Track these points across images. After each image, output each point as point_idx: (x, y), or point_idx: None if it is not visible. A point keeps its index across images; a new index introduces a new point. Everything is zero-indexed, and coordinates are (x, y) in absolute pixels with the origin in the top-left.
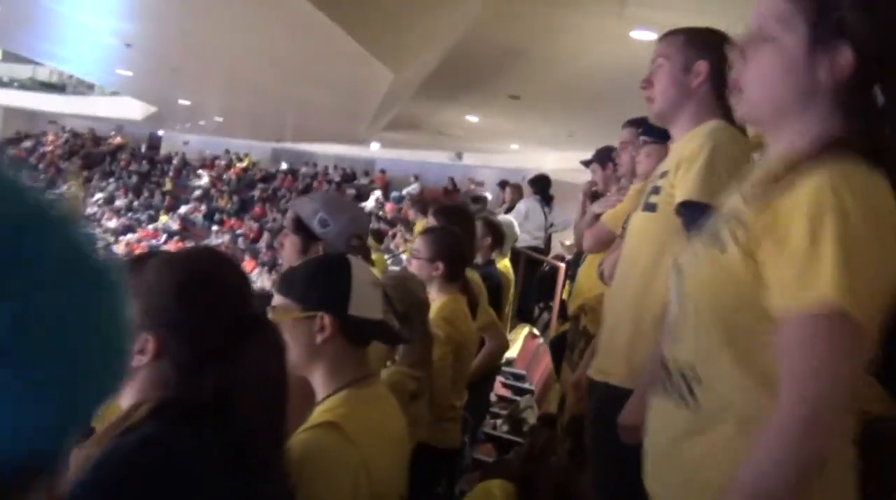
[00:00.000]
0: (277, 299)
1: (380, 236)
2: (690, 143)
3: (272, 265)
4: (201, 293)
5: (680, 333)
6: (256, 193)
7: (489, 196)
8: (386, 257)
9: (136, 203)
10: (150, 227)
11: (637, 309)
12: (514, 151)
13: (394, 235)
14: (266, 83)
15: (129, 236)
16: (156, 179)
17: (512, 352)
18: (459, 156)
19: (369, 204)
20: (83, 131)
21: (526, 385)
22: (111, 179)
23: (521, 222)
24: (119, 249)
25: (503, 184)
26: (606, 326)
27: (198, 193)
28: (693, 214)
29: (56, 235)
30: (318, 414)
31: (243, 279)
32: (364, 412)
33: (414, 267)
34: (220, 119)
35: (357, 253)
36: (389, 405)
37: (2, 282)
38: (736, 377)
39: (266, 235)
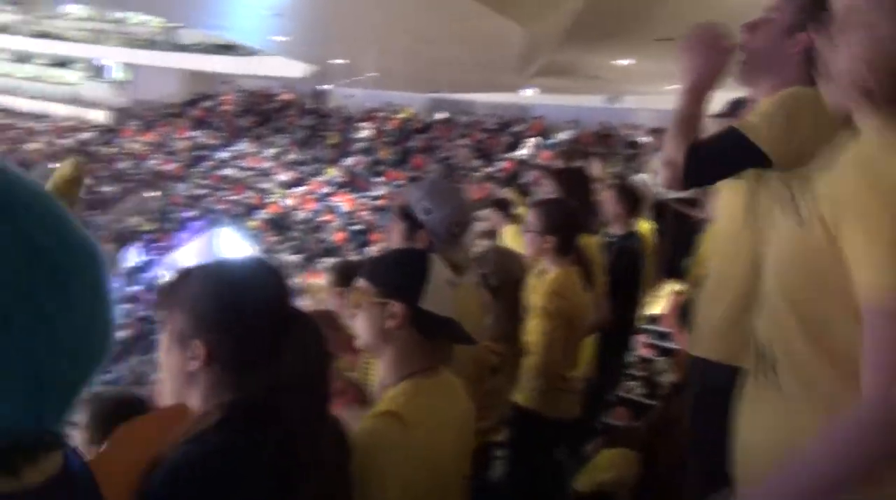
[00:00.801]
0: (360, 281)
1: (525, 190)
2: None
3: None
4: (239, 298)
5: (762, 310)
6: (415, 143)
7: (645, 140)
8: None
9: (304, 157)
10: (318, 179)
11: (721, 283)
12: (671, 92)
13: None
14: (408, 42)
15: (299, 189)
16: (322, 133)
17: (658, 309)
18: (615, 99)
19: (524, 151)
20: (255, 90)
21: (671, 345)
22: (281, 135)
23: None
24: (290, 201)
25: (655, 131)
26: (702, 298)
27: (361, 145)
28: (699, 158)
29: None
30: (382, 402)
31: (279, 281)
32: (426, 402)
33: (526, 240)
34: (376, 74)
35: (458, 240)
36: (453, 393)
37: None
38: (810, 357)
39: None
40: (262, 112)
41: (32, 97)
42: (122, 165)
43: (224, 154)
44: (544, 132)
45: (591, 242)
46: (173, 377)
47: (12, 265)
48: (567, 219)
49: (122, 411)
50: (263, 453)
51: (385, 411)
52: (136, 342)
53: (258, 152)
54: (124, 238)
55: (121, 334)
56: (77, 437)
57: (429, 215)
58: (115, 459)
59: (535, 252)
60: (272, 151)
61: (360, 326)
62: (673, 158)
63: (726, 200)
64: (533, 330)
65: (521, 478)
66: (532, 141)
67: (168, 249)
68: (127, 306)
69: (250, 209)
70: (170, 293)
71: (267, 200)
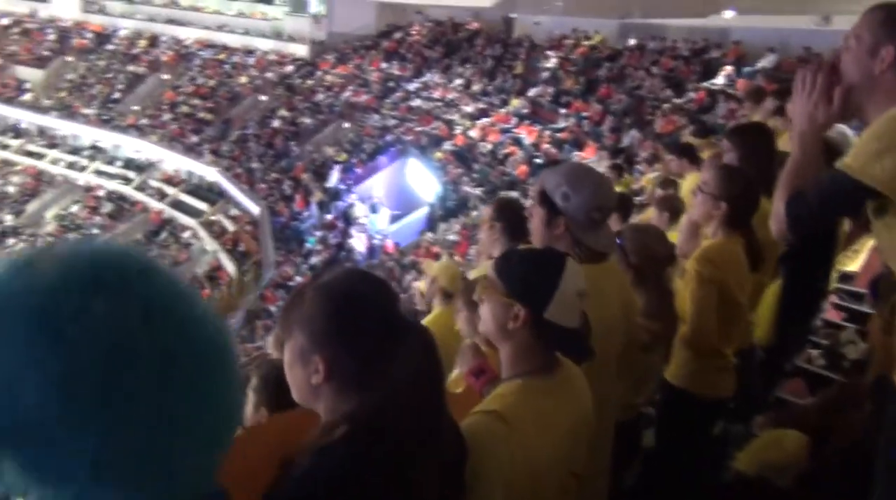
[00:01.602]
0: (491, 273)
1: (712, 131)
2: None
3: (614, 151)
4: (351, 314)
5: None
6: (602, 72)
7: None
8: None
9: (490, 87)
10: (503, 111)
11: None
12: None
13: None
14: None
15: (484, 121)
16: (508, 62)
17: (853, 266)
18: (827, 20)
19: (719, 80)
20: (444, 19)
21: (862, 308)
22: (468, 65)
23: None
24: (475, 133)
25: None
26: None
27: (546, 74)
28: (801, 205)
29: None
30: (491, 399)
31: (388, 292)
32: (534, 403)
33: (698, 200)
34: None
35: (598, 226)
36: (569, 394)
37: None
38: None
39: (610, 119)
40: (449, 42)
41: (240, 33)
42: (319, 96)
43: (413, 85)
44: (743, 59)
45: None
46: (299, 390)
47: (146, 369)
48: (745, 192)
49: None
50: (384, 465)
51: (489, 409)
52: (328, 266)
53: (446, 83)
54: (321, 168)
55: (315, 260)
56: (249, 399)
57: (567, 202)
58: (249, 454)
59: (704, 214)
60: (459, 81)
61: (485, 316)
62: (777, 210)
63: (884, 241)
64: (684, 297)
65: (670, 455)
66: (728, 69)
67: (360, 178)
68: (321, 232)
69: (437, 140)
70: (288, 312)
71: (453, 132)
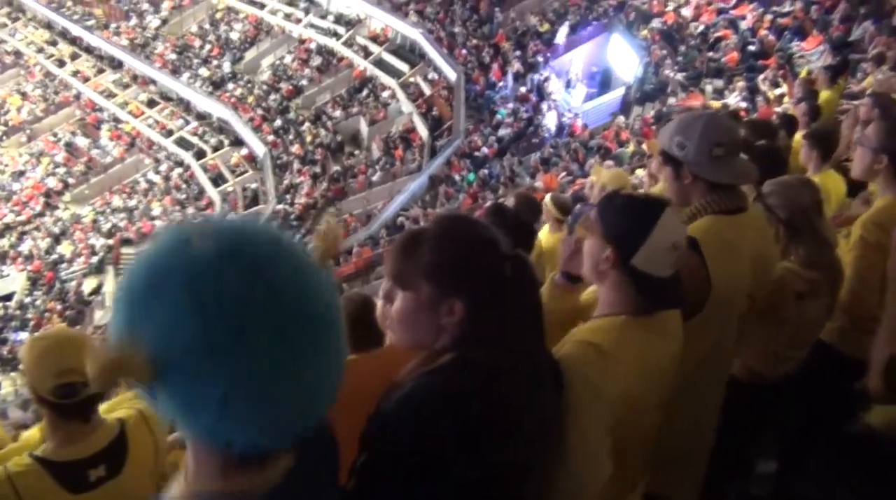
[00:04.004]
0: (594, 212)
1: None
2: None
3: (839, 45)
4: (476, 257)
5: None
6: None
7: None
8: None
9: None
10: None
11: None
12: None
13: None
14: None
15: None
16: None
17: None
18: None
19: None
20: None
21: None
22: None
23: None
24: (688, 11)
25: None
26: None
27: None
28: None
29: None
30: (592, 330)
31: (489, 235)
32: (634, 340)
33: (857, 154)
34: None
35: (725, 161)
36: (666, 335)
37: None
38: None
39: (844, 6)
40: None
41: None
42: None
43: None
44: None
45: None
46: (422, 333)
47: (262, 336)
48: None
49: (368, 312)
50: (485, 393)
51: (590, 341)
52: (514, 141)
53: None
54: (522, 37)
55: (503, 132)
56: None
57: (684, 149)
58: (360, 377)
59: (865, 169)
60: None
61: (584, 253)
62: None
63: None
64: (848, 261)
65: (801, 404)
66: None
67: (560, 51)
68: (513, 104)
69: (646, 17)
70: (404, 262)
71: (664, 8)
